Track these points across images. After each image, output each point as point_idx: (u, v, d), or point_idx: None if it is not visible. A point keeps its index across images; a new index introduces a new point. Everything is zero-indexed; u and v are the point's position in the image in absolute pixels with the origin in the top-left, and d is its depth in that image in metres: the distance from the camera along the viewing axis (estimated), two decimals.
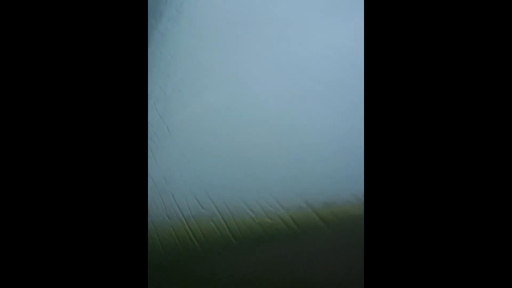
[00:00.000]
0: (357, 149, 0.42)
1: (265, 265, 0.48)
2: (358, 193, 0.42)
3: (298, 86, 0.52)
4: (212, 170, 0.54)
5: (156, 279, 0.56)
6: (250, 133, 0.53)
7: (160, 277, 0.56)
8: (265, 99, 0.54)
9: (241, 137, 0.53)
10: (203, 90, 0.62)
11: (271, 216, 0.47)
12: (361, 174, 0.40)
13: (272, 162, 0.49)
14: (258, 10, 0.63)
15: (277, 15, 0.60)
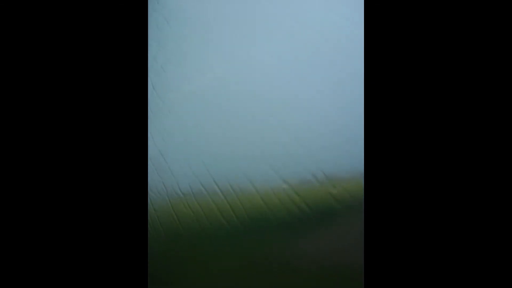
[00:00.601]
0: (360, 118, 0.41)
1: (273, 246, 0.47)
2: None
3: (300, 59, 0.50)
4: (212, 145, 0.52)
5: (155, 260, 0.55)
6: (253, 105, 0.50)
7: (160, 259, 0.55)
8: (267, 71, 0.52)
9: (242, 111, 0.51)
10: (201, 61, 0.59)
11: (276, 192, 0.46)
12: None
13: (277, 137, 0.48)
14: None
15: None
